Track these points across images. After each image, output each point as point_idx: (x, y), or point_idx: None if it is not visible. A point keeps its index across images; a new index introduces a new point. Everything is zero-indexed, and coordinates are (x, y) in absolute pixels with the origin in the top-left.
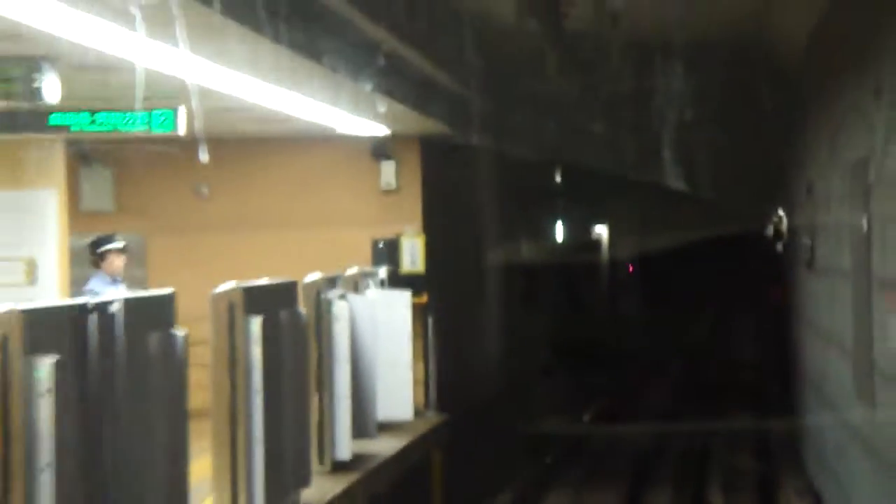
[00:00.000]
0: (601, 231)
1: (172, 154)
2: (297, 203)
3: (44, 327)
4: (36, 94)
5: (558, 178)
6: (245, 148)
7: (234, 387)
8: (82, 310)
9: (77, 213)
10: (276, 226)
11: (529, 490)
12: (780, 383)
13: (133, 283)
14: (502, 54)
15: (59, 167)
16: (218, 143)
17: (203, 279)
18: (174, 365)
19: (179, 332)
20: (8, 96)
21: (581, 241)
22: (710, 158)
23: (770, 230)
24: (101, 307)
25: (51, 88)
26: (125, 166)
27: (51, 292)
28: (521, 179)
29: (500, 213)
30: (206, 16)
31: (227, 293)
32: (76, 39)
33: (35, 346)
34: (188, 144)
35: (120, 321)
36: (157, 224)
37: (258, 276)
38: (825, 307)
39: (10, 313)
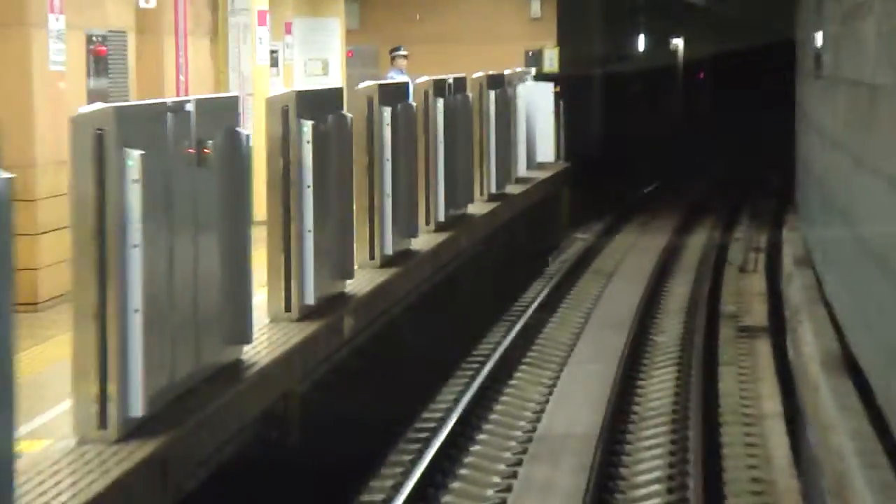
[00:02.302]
0: (678, 43)
1: None
2: (476, 26)
3: (387, 95)
4: None
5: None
6: None
7: (480, 128)
8: (401, 86)
9: None
10: (464, 41)
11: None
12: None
13: (377, 77)
14: None
15: (340, 3)
16: None
17: (416, 75)
18: (466, 111)
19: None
20: None
21: (662, 50)
22: None
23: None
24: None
25: None
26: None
27: (337, 80)
28: (620, 7)
29: (604, 31)
30: None
31: (479, 78)
32: None
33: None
34: None
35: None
36: (385, 38)
37: (454, 73)
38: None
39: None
